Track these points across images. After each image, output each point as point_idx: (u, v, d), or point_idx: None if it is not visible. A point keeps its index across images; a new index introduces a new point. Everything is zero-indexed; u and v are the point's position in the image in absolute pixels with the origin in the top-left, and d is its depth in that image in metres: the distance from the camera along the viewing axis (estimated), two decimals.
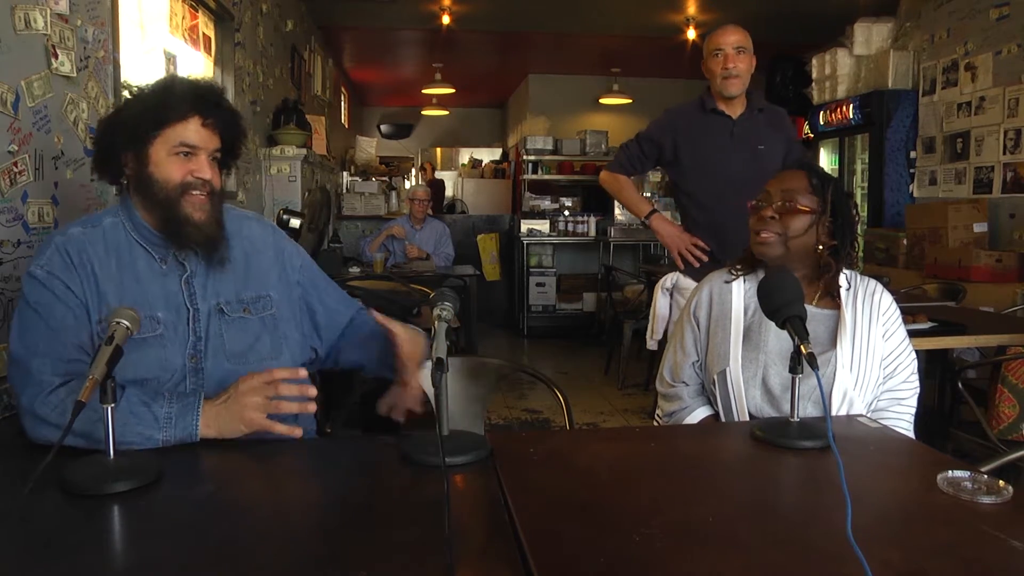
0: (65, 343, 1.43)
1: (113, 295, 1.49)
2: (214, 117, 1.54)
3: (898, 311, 1.74)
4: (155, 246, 1.55)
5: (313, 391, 1.43)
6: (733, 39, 2.79)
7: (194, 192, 1.52)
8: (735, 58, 2.77)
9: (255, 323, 1.59)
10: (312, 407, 1.47)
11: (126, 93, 1.57)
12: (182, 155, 1.51)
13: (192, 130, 1.51)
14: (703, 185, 2.89)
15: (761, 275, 1.73)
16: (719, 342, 1.76)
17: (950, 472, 1.18)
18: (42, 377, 1.39)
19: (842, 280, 1.74)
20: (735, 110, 2.86)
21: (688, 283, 2.84)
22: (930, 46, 5.60)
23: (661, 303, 2.97)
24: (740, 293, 1.78)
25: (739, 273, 1.81)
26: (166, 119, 1.49)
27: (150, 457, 1.24)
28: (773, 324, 1.37)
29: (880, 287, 1.76)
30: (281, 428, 1.40)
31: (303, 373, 1.43)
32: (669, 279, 2.96)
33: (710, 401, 1.82)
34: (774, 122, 2.93)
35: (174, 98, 1.51)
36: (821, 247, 1.71)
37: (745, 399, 1.71)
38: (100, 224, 1.55)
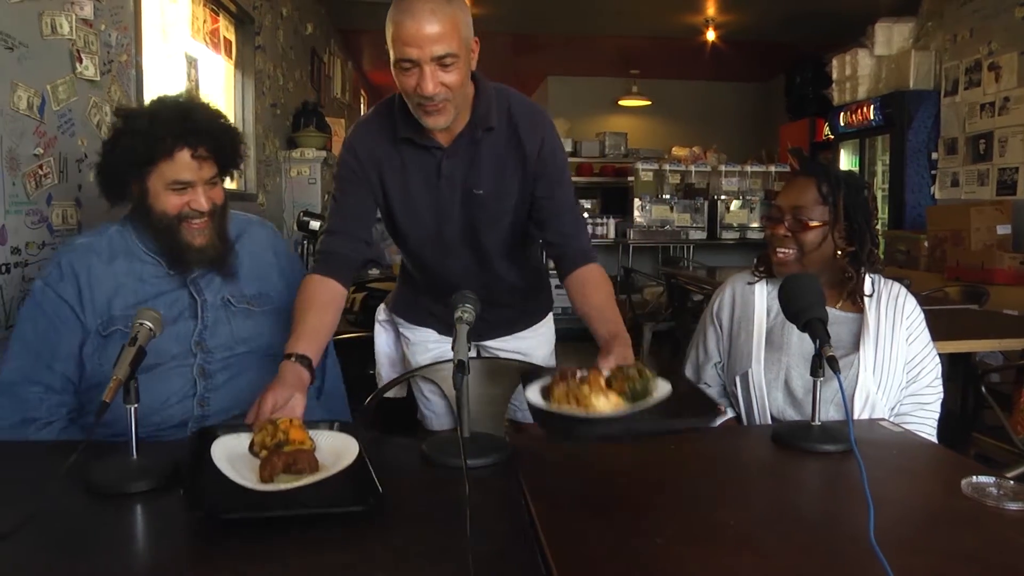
0: (40, 358, 1.50)
1: (117, 295, 1.54)
2: (204, 144, 1.52)
3: (922, 315, 1.72)
4: (160, 256, 1.58)
5: None
6: (431, 40, 1.42)
7: (193, 221, 1.54)
8: (435, 76, 1.45)
9: (258, 314, 1.65)
10: None
11: (118, 119, 1.56)
12: (177, 190, 1.51)
13: (182, 165, 1.50)
14: (411, 244, 1.80)
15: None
16: (742, 343, 1.75)
17: (974, 477, 1.17)
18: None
19: (866, 284, 1.72)
20: (446, 135, 1.64)
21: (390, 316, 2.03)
22: (952, 46, 5.54)
23: (379, 340, 2.05)
24: (763, 295, 1.77)
25: (761, 275, 1.80)
26: (157, 155, 1.48)
27: (171, 457, 1.25)
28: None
29: (904, 291, 1.75)
30: None
31: None
32: (382, 311, 2.06)
33: (732, 403, 1.81)
34: (514, 139, 1.70)
35: (160, 132, 1.48)
36: (840, 253, 1.69)
37: (767, 401, 1.70)
38: (106, 232, 1.60)
